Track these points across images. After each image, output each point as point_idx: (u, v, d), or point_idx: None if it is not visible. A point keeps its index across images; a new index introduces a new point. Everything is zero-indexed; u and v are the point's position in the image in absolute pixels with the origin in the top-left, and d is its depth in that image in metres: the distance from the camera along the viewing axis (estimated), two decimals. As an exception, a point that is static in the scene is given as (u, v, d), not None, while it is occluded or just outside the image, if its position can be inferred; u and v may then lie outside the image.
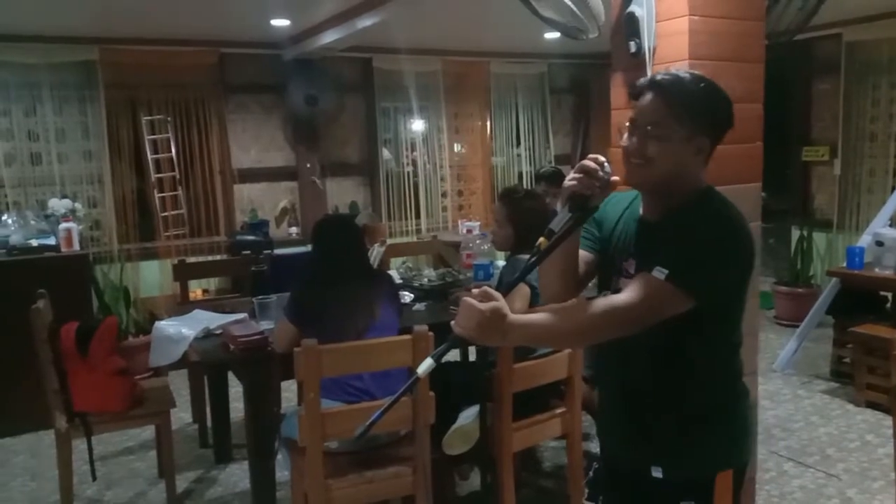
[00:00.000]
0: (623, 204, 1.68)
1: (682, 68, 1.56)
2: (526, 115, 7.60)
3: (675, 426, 1.58)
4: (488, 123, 7.43)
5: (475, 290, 1.43)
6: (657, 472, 1.58)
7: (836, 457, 3.65)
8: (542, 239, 1.48)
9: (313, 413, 2.36)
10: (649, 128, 1.49)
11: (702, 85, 1.51)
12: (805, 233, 6.10)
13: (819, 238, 6.24)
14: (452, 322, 1.44)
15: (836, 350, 4.79)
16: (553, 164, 6.62)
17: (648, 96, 1.51)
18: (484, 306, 1.39)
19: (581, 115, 7.88)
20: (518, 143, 7.62)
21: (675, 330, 1.47)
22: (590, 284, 1.76)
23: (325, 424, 2.39)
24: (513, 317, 1.41)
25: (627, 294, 1.46)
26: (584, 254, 1.68)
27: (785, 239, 6.54)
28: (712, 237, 1.47)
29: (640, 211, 1.62)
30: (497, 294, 1.42)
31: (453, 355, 3.92)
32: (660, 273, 1.43)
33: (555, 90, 7.72)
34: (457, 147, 7.39)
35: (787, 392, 4.58)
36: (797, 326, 5.00)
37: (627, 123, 1.54)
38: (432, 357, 1.43)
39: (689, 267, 1.44)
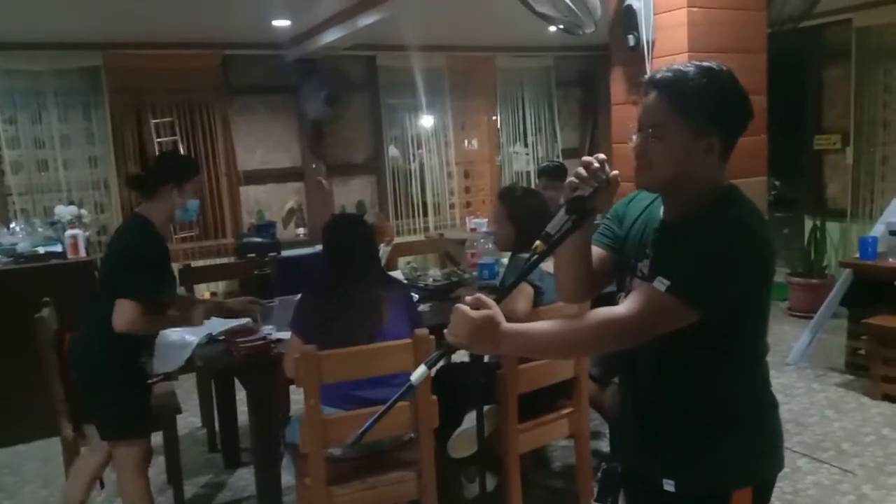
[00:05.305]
0: (646, 201, 1.60)
1: (689, 61, 1.45)
2: (533, 110, 7.54)
3: (687, 439, 1.50)
4: (495, 119, 7.38)
5: (468, 298, 1.40)
6: (669, 486, 1.51)
7: (851, 452, 3.59)
8: (538, 242, 1.43)
9: (314, 419, 2.35)
10: (650, 129, 1.42)
11: (708, 78, 1.40)
12: (818, 223, 6.02)
13: (832, 228, 6.16)
14: (445, 330, 1.41)
15: (851, 342, 4.72)
16: (556, 160, 6.59)
17: (652, 95, 1.43)
18: (476, 314, 1.35)
19: (589, 107, 7.82)
20: (525, 142, 7.55)
21: (686, 338, 1.40)
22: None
23: (327, 430, 2.37)
24: (506, 325, 1.37)
25: (626, 306, 1.39)
26: (601, 251, 1.62)
27: (798, 229, 6.46)
28: (722, 246, 1.37)
29: (661, 209, 1.54)
30: (491, 302, 1.38)
31: (460, 356, 3.89)
32: (661, 284, 1.36)
33: (562, 83, 7.66)
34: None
35: (802, 386, 4.52)
36: (811, 318, 4.93)
37: (633, 123, 1.47)
38: (426, 364, 1.41)
39: (693, 279, 1.36)
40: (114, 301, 2.56)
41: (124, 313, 2.55)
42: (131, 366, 2.76)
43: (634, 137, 1.46)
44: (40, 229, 4.74)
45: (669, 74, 1.43)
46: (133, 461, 2.76)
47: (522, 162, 7.58)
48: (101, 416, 2.74)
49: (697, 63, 1.45)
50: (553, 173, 4.58)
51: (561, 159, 7.47)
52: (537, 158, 7.50)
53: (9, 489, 3.68)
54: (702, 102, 1.40)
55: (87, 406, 2.76)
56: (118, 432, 2.73)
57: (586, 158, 1.43)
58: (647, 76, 1.50)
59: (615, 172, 1.43)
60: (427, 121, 7.03)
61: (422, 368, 1.40)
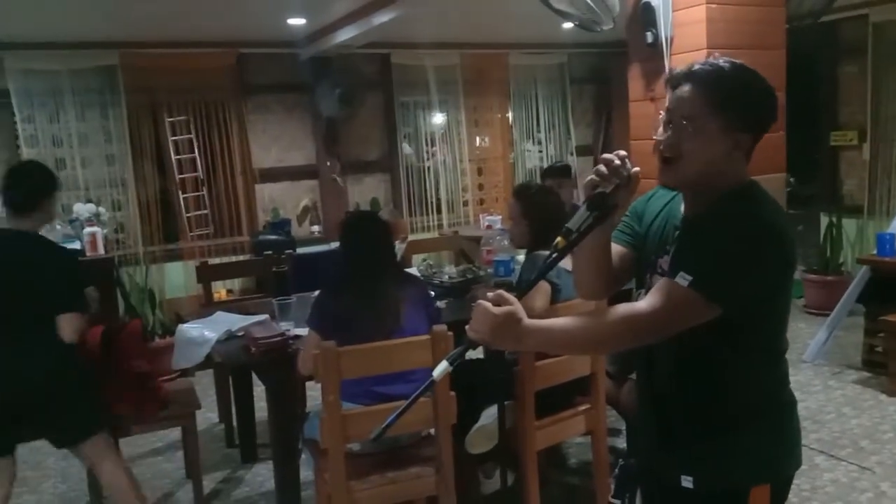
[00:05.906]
0: (665, 198, 1.60)
1: (720, 57, 1.46)
2: (546, 107, 7.53)
3: (706, 435, 1.49)
4: (508, 116, 7.38)
5: (490, 294, 1.41)
6: (687, 483, 1.50)
7: (869, 449, 3.57)
8: (559, 238, 1.43)
9: (334, 415, 2.36)
10: (685, 121, 1.41)
11: (743, 75, 1.42)
12: (834, 219, 5.98)
13: (849, 224, 6.12)
14: (467, 326, 1.42)
15: (868, 339, 4.69)
16: (562, 161, 6.62)
17: (686, 87, 1.42)
18: (498, 310, 1.36)
19: (603, 105, 7.79)
20: (537, 140, 7.55)
21: (704, 335, 1.39)
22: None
23: (347, 426, 2.38)
24: (528, 322, 1.38)
25: (648, 302, 1.39)
26: (620, 248, 1.61)
27: (814, 226, 6.42)
28: (744, 242, 1.37)
29: (682, 206, 1.53)
30: (512, 298, 1.39)
31: (477, 353, 3.92)
32: (683, 280, 1.35)
33: (575, 80, 7.64)
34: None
35: (818, 383, 4.50)
36: (827, 315, 4.89)
37: (662, 114, 1.45)
38: (447, 360, 1.42)
39: (715, 274, 1.35)
40: (51, 318, 2.64)
41: (71, 324, 2.67)
42: (85, 365, 2.85)
43: (660, 130, 1.45)
44: (59, 227, 4.78)
45: (707, 68, 1.43)
46: (105, 451, 2.84)
47: (536, 159, 7.57)
48: (69, 420, 2.77)
49: (729, 59, 1.45)
50: (559, 171, 4.59)
51: (574, 156, 7.48)
52: (550, 156, 7.49)
53: (30, 484, 3.73)
54: (738, 99, 1.40)
55: (46, 419, 2.75)
56: (88, 430, 2.80)
57: (607, 156, 1.42)
58: (678, 69, 1.48)
59: (636, 169, 1.42)
60: (440, 118, 7.04)
61: (443, 364, 1.41)
